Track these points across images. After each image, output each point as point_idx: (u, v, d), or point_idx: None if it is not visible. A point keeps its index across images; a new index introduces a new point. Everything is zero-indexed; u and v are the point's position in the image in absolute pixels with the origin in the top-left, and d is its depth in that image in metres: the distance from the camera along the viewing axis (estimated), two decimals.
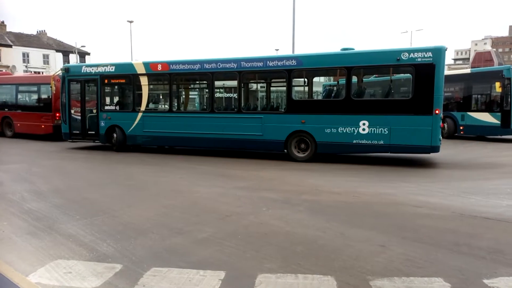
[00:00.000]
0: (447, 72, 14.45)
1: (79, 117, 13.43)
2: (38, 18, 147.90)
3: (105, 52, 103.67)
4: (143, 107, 12.36)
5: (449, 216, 5.35)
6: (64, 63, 44.84)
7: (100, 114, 12.96)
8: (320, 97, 16.96)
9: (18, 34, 52.78)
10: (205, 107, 13.88)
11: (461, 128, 16.15)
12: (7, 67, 43.86)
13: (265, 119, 10.82)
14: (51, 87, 14.49)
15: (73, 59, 53.10)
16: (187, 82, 13.39)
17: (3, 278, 2.40)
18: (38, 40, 53.84)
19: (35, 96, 17.17)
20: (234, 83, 11.89)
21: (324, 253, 4.02)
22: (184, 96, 13.32)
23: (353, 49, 10.53)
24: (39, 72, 43.06)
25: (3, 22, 52.65)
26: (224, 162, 10.70)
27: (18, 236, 4.60)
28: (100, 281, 3.36)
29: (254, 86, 13.74)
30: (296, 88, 12.14)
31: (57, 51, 54.04)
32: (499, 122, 14.93)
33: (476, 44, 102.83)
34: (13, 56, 48.37)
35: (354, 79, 10.40)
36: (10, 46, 49.14)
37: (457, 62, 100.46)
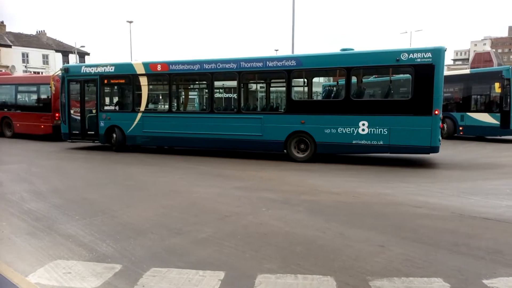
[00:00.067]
0: (446, 72, 14.46)
1: (79, 117, 13.43)
2: (38, 18, 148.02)
3: (104, 52, 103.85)
4: (142, 108, 12.36)
5: (449, 216, 5.35)
6: (63, 63, 44.81)
7: (99, 114, 12.95)
8: (319, 98, 16.95)
9: (18, 34, 52.77)
10: (204, 107, 13.87)
11: (461, 128, 16.16)
12: (7, 67, 43.76)
13: (265, 119, 10.82)
14: (50, 87, 14.49)
15: (73, 59, 53.08)
16: (186, 82, 13.39)
17: (3, 278, 2.40)
18: (37, 40, 53.82)
19: (34, 96, 17.16)
20: (233, 83, 11.89)
21: (324, 253, 4.02)
22: (183, 97, 13.32)
23: (352, 49, 10.54)
24: (38, 72, 42.99)
25: (2, 22, 52.82)
26: (223, 162, 10.70)
27: (17, 236, 4.60)
28: (100, 282, 3.36)
29: (253, 86, 13.75)
30: (295, 89, 12.14)
31: (57, 51, 54.03)
32: (498, 123, 14.95)
33: (476, 45, 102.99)
34: (12, 56, 48.32)
35: (354, 79, 10.41)
36: (9, 46, 49.13)
37: (457, 62, 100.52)
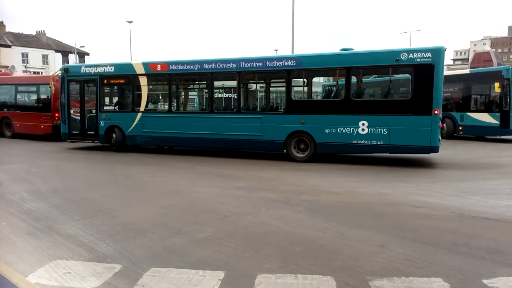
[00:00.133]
0: (446, 72, 14.47)
1: (78, 118, 13.43)
2: (38, 18, 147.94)
3: (104, 52, 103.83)
4: (142, 108, 12.36)
5: (449, 216, 5.35)
6: (63, 63, 44.81)
7: (99, 114, 12.95)
8: (319, 98, 16.96)
9: (18, 34, 52.77)
10: (204, 107, 13.88)
11: (460, 128, 16.17)
12: (6, 67, 43.70)
13: (265, 119, 10.82)
14: (50, 87, 14.48)
15: (72, 59, 53.06)
16: (186, 82, 13.39)
17: (3, 278, 2.40)
18: (37, 40, 53.82)
19: (34, 96, 17.17)
20: (233, 83, 11.91)
21: (324, 253, 4.02)
22: (183, 97, 13.32)
23: (352, 49, 10.55)
24: (38, 72, 42.98)
25: (2, 22, 52.80)
26: (223, 162, 10.70)
27: (17, 236, 4.60)
28: (100, 281, 3.36)
29: (253, 86, 13.73)
30: (295, 89, 12.14)
31: (56, 51, 54.02)
32: (498, 123, 14.95)
33: (475, 45, 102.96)
34: (12, 56, 48.27)
35: (354, 79, 10.42)
36: (9, 46, 49.11)
37: (456, 62, 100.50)
